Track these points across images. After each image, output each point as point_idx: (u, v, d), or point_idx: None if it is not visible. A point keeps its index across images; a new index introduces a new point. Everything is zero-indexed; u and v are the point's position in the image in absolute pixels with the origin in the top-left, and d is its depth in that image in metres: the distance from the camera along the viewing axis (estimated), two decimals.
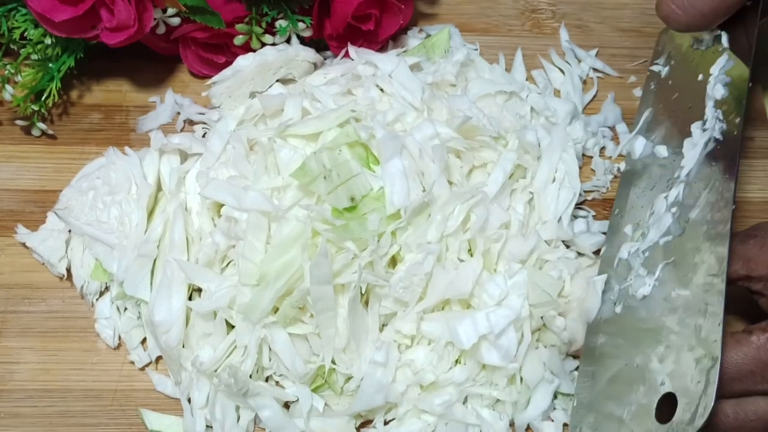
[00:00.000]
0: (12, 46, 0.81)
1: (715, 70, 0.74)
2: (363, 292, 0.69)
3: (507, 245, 0.72)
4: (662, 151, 0.74)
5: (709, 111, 0.73)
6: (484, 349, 0.68)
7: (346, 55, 0.82)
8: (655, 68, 0.80)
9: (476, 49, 0.88)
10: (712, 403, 0.59)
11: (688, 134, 0.73)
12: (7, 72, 0.80)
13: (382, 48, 0.85)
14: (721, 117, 0.72)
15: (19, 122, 0.80)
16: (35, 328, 0.74)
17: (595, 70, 0.88)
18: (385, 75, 0.77)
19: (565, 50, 0.89)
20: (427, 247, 0.69)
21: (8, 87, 0.79)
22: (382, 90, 0.77)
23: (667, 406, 0.62)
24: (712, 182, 0.69)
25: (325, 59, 0.85)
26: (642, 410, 0.64)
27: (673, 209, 0.70)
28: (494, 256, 0.71)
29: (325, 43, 0.84)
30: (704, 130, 0.72)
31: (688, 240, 0.68)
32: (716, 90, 0.73)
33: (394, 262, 0.71)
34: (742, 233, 0.69)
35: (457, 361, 0.70)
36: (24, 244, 0.76)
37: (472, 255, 0.71)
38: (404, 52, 0.85)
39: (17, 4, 0.79)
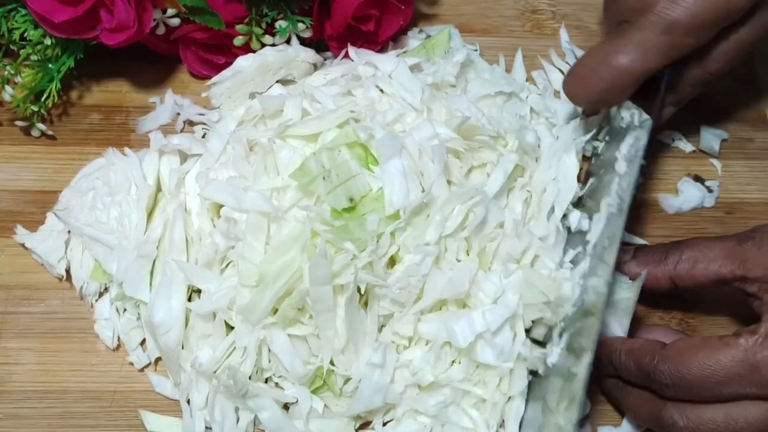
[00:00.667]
0: (12, 47, 0.81)
1: (624, 148, 0.75)
2: (362, 293, 0.69)
3: (502, 244, 0.72)
4: (585, 224, 0.75)
5: (614, 187, 0.74)
6: (480, 348, 0.68)
7: (346, 55, 0.82)
8: (595, 143, 0.81)
9: (476, 50, 0.88)
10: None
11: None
12: (6, 73, 0.80)
13: (382, 49, 0.85)
14: (620, 192, 0.73)
15: (19, 123, 0.80)
16: (34, 329, 0.74)
17: None
18: (384, 75, 0.77)
19: (566, 51, 0.89)
20: (425, 249, 0.69)
21: (8, 88, 0.79)
22: (382, 91, 0.77)
23: None
24: (601, 259, 0.71)
25: (325, 60, 0.85)
26: None
27: (580, 281, 0.71)
28: (490, 255, 0.71)
29: (325, 43, 0.84)
30: (609, 205, 0.73)
31: (586, 313, 0.70)
32: (620, 166, 0.74)
33: (393, 262, 0.71)
34: (741, 235, 0.69)
35: (454, 361, 0.70)
36: (23, 245, 0.76)
37: (468, 254, 0.71)
38: (404, 52, 0.85)
39: (17, 4, 0.79)
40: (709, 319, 0.78)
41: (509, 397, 0.70)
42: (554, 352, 0.69)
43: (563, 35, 0.90)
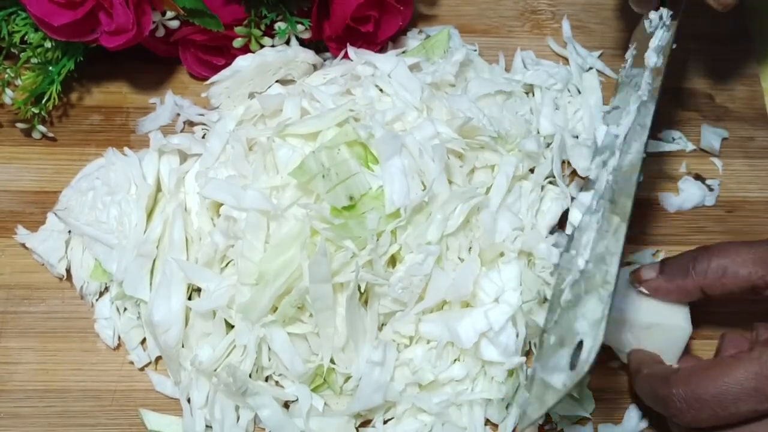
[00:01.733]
0: (12, 50, 0.81)
1: (653, 42, 0.76)
2: (362, 291, 0.69)
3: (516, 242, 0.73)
4: (614, 129, 0.75)
5: (645, 78, 0.74)
6: (484, 346, 0.68)
7: (346, 56, 0.82)
8: (625, 63, 0.81)
9: (475, 50, 0.88)
10: (598, 345, 0.60)
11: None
12: (7, 76, 0.80)
13: (381, 49, 0.85)
14: (649, 80, 0.74)
15: (20, 125, 0.81)
16: (35, 328, 0.74)
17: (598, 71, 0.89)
18: (384, 75, 0.77)
19: (567, 41, 0.90)
20: (427, 248, 0.69)
21: (8, 90, 0.79)
22: (381, 90, 0.77)
23: None
24: (631, 144, 0.71)
25: (324, 61, 0.85)
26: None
27: (609, 177, 0.71)
28: (492, 253, 0.71)
29: (324, 44, 0.84)
30: (638, 98, 0.74)
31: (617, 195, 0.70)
32: (650, 58, 0.75)
33: (393, 261, 0.71)
34: None
35: (456, 359, 0.70)
36: (24, 245, 0.76)
37: (470, 252, 0.71)
38: (403, 53, 0.85)
39: (17, 8, 0.80)
40: (715, 320, 0.77)
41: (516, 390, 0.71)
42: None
43: (565, 27, 0.91)
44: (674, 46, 0.75)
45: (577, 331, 0.62)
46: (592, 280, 0.65)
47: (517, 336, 0.69)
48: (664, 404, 0.65)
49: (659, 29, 0.76)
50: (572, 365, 0.61)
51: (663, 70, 0.74)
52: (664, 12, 0.77)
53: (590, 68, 0.88)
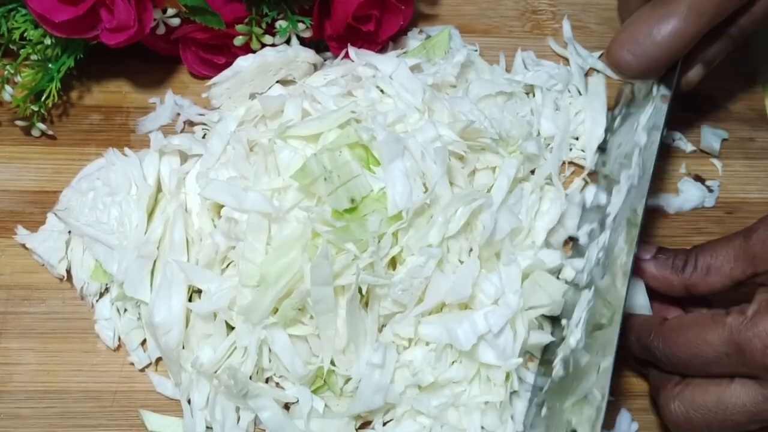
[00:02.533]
0: (12, 47, 0.81)
1: (643, 119, 0.76)
2: (363, 293, 0.69)
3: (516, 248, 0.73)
4: (602, 198, 0.75)
5: (634, 158, 0.74)
6: (482, 348, 0.68)
7: (346, 56, 0.82)
8: (614, 114, 0.82)
9: (476, 50, 0.88)
10: None
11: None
12: (6, 72, 0.80)
13: (382, 49, 0.84)
14: (640, 163, 0.73)
15: (19, 123, 0.80)
16: (35, 329, 0.74)
17: (597, 71, 0.88)
18: (385, 76, 0.77)
19: (568, 41, 0.89)
20: (429, 251, 0.69)
21: (8, 87, 0.79)
22: (382, 91, 0.77)
23: None
24: (624, 228, 0.71)
25: (325, 60, 0.85)
26: None
27: (600, 254, 0.71)
28: (492, 255, 0.72)
29: (325, 44, 0.84)
30: (629, 177, 0.74)
31: (606, 285, 0.70)
32: (640, 137, 0.75)
33: (394, 263, 0.71)
34: (746, 230, 0.68)
35: (454, 361, 0.70)
36: (24, 245, 0.76)
37: (470, 255, 0.71)
38: (404, 53, 0.85)
39: (17, 4, 0.79)
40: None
41: (512, 395, 0.71)
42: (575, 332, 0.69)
43: (566, 27, 0.90)
44: (665, 132, 0.74)
45: (570, 418, 0.64)
46: (585, 364, 0.67)
47: (515, 339, 0.69)
48: (648, 353, 0.68)
49: (650, 104, 0.76)
50: None
51: (656, 149, 0.73)
52: (654, 84, 0.76)
53: (595, 71, 0.88)
